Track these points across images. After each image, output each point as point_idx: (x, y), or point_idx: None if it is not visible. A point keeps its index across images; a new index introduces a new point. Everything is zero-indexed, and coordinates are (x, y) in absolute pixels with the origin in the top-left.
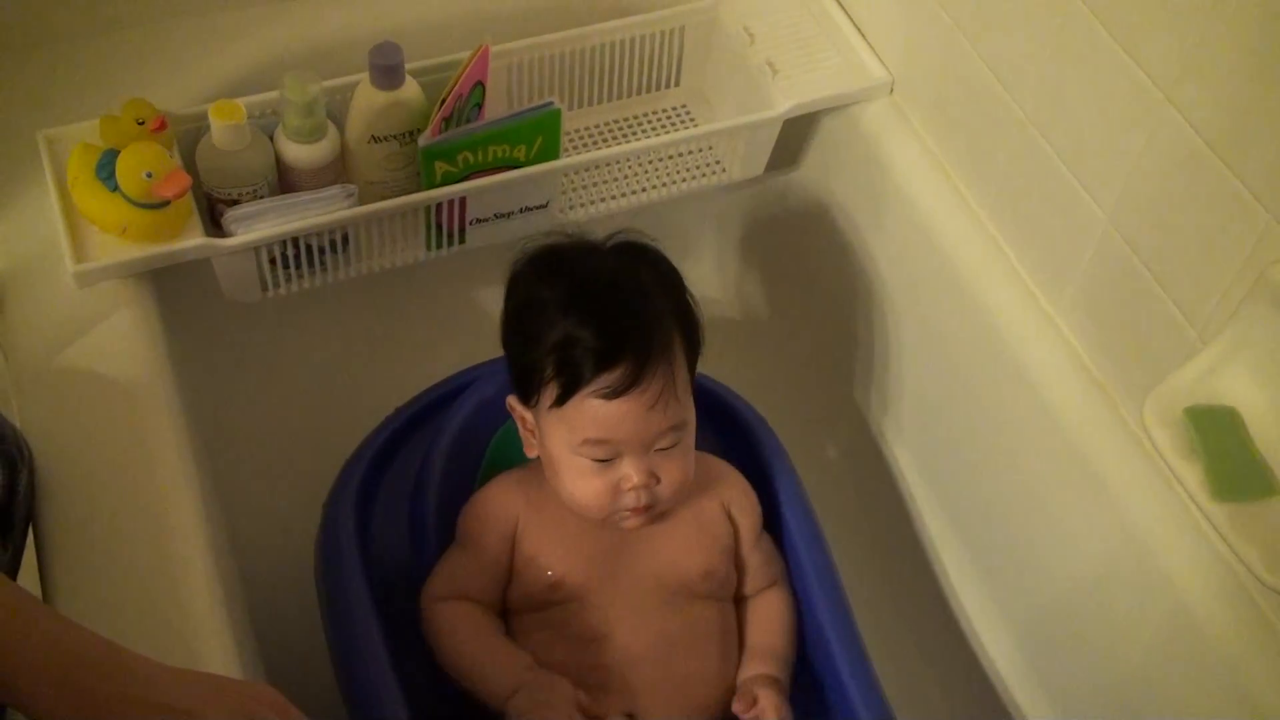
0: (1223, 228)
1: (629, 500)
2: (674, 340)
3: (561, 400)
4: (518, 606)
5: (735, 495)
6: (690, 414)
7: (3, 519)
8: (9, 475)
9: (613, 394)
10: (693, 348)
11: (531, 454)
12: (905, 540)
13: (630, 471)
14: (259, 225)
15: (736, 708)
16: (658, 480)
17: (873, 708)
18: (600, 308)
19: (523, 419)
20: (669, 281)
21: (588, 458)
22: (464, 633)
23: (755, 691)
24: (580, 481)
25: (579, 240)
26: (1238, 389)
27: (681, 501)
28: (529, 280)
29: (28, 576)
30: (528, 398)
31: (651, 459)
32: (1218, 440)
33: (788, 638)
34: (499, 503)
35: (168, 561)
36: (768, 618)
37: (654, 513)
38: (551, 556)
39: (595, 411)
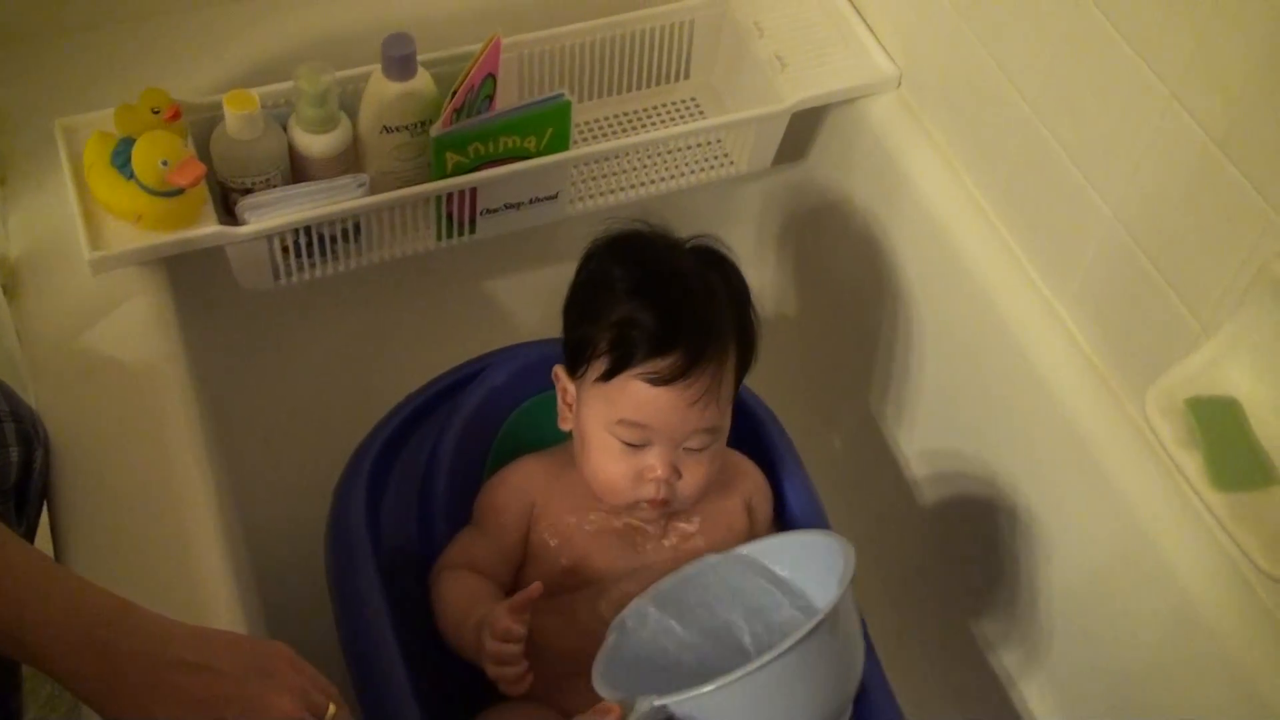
0: (1225, 221)
1: (649, 490)
2: (729, 347)
3: (608, 375)
4: None
5: (754, 489)
6: (726, 423)
7: (18, 496)
8: (25, 452)
9: (659, 380)
10: (744, 362)
11: (565, 427)
12: (908, 530)
13: (655, 462)
14: (272, 214)
15: None
16: (679, 477)
17: (879, 697)
18: (667, 297)
19: (564, 390)
20: (737, 293)
21: (619, 439)
22: (454, 601)
23: None
24: (606, 461)
25: (661, 233)
26: (1239, 380)
27: (698, 502)
28: (604, 258)
29: None
30: (575, 369)
31: (679, 455)
32: (1218, 430)
33: None
34: (518, 484)
35: (180, 543)
36: None
37: (670, 508)
38: (567, 543)
39: (638, 393)
